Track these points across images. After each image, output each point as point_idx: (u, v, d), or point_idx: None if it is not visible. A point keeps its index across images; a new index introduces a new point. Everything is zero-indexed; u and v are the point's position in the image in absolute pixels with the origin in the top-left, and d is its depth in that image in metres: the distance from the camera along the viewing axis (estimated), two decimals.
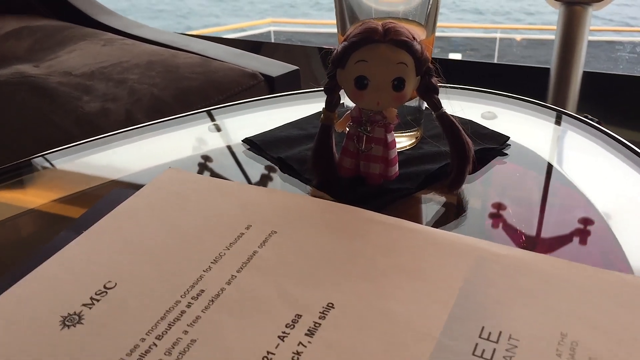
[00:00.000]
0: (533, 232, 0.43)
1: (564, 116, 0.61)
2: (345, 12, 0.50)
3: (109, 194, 0.45)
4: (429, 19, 0.49)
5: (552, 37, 1.95)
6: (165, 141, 0.59)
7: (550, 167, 0.52)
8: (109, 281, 0.34)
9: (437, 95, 0.45)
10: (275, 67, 1.00)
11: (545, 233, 0.43)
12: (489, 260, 0.35)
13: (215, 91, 0.92)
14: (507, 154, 0.53)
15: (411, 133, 0.54)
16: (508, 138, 0.54)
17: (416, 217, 0.45)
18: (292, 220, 0.39)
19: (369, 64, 0.41)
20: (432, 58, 0.45)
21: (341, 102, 0.46)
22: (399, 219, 0.39)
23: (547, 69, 1.92)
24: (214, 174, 0.51)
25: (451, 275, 0.33)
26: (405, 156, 0.51)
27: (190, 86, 0.92)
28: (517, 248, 0.37)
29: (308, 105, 0.65)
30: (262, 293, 0.33)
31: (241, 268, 0.35)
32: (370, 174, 0.46)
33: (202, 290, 0.33)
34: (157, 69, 0.96)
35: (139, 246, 0.37)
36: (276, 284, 0.33)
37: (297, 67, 1.01)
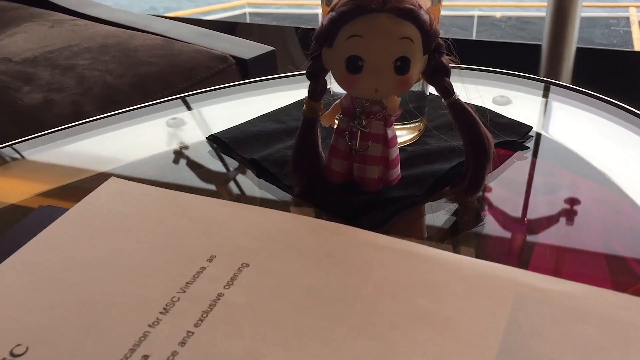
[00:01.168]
0: (581, 254, 0.35)
1: (589, 98, 0.53)
2: None
3: (32, 214, 0.36)
4: None
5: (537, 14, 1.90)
6: (115, 140, 0.50)
7: (582, 161, 0.44)
8: (18, 345, 0.26)
9: (449, 78, 0.36)
10: (248, 49, 0.91)
11: (597, 257, 0.35)
12: (533, 299, 0.27)
13: (179, 77, 0.83)
14: (528, 147, 0.46)
15: (413, 125, 0.46)
16: (531, 128, 0.46)
17: (425, 234, 0.37)
18: (268, 247, 0.31)
19: (364, 40, 0.33)
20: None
21: (327, 87, 0.37)
22: (409, 241, 0.31)
23: (538, 46, 1.86)
24: (170, 184, 0.43)
25: (487, 326, 0.25)
26: (407, 154, 0.43)
27: (150, 72, 0.82)
28: (565, 280, 0.29)
29: (287, 93, 0.56)
30: (228, 357, 0.25)
31: (200, 320, 0.27)
32: (366, 180, 0.38)
33: (146, 357, 0.25)
34: (111, 53, 0.86)
35: (62, 292, 0.28)
36: (247, 342, 0.25)
37: (273, 48, 0.92)
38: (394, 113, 0.37)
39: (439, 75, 0.36)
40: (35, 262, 0.30)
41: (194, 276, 0.29)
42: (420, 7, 0.34)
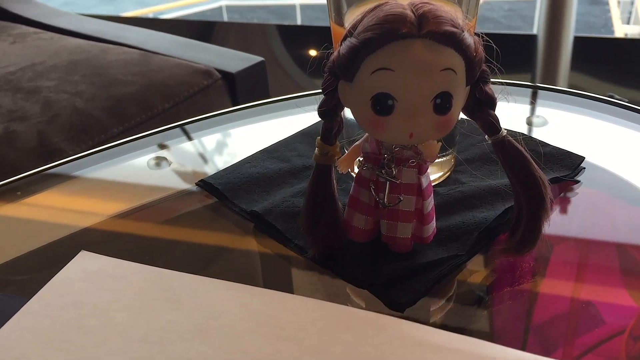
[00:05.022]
0: None
1: (632, 113, 0.47)
2: None
3: None
4: None
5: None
6: (84, 191, 0.44)
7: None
8: None
9: (494, 110, 0.31)
10: (234, 60, 0.85)
11: None
12: None
13: (159, 97, 0.77)
14: (580, 181, 0.40)
15: (443, 159, 0.40)
16: (582, 159, 0.40)
17: (475, 311, 0.31)
18: (287, 353, 0.25)
19: (395, 74, 0.27)
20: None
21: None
22: (473, 339, 0.25)
23: (533, 36, 1.83)
24: (153, 250, 0.36)
25: None
26: (441, 198, 0.37)
27: (125, 92, 0.76)
28: None
29: (285, 119, 0.50)
30: None
31: None
32: (398, 240, 0.32)
33: None
34: (81, 71, 0.80)
35: None
36: None
37: (262, 59, 0.86)
38: (431, 159, 0.31)
39: (483, 108, 0.30)
40: None
41: None
42: (463, 27, 0.28)
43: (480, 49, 0.29)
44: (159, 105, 0.76)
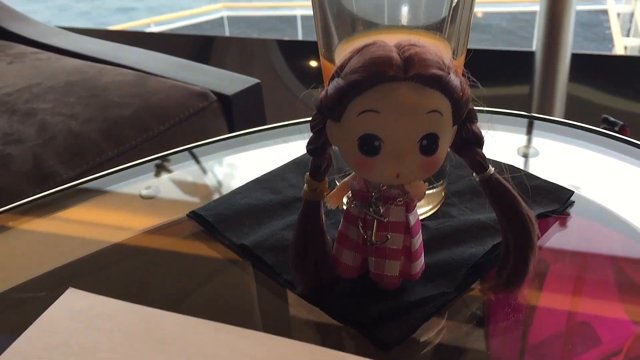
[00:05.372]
0: None
1: (629, 147, 0.48)
2: (328, 18, 0.36)
3: None
4: (458, 28, 0.35)
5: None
6: (74, 221, 0.44)
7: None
8: None
9: (482, 148, 0.31)
10: (230, 82, 0.85)
11: None
12: None
13: (155, 120, 0.77)
14: (569, 214, 0.40)
15: (433, 191, 0.40)
16: (572, 193, 0.41)
17: (464, 350, 0.31)
18: None
19: (382, 115, 0.27)
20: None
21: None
22: None
23: (531, 53, 1.84)
24: (142, 286, 0.36)
25: None
26: (430, 233, 0.37)
27: (121, 115, 0.76)
28: None
29: (280, 147, 0.50)
30: None
31: None
32: (386, 278, 0.32)
33: None
34: (77, 93, 0.80)
35: None
36: None
37: (258, 81, 0.86)
38: (419, 198, 0.31)
39: (470, 147, 0.31)
40: None
41: None
42: (449, 68, 0.28)
43: (467, 90, 0.29)
44: (155, 127, 0.76)
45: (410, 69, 0.27)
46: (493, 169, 0.31)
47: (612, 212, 0.40)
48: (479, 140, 0.31)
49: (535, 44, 1.84)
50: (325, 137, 0.30)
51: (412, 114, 0.27)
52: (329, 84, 0.29)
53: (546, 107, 1.84)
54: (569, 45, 1.83)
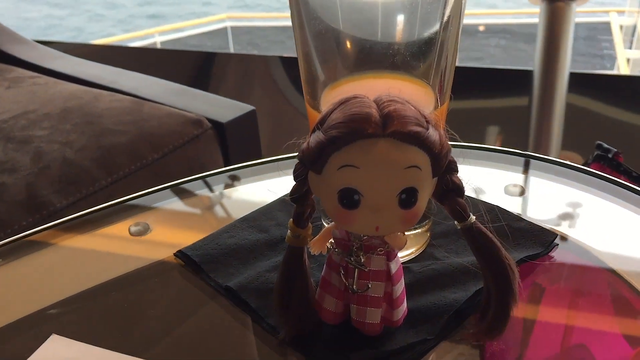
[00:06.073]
0: None
1: (620, 189, 0.48)
2: (314, 64, 0.36)
3: None
4: (443, 73, 0.36)
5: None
6: (59, 263, 0.44)
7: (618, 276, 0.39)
8: None
9: (462, 198, 0.32)
10: (225, 109, 0.86)
11: None
12: None
13: (149, 147, 0.78)
14: (553, 257, 0.41)
15: (418, 231, 0.41)
16: (555, 236, 0.41)
17: None
18: None
19: (361, 170, 0.28)
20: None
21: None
22: None
23: (529, 72, 1.86)
24: (124, 329, 0.37)
25: None
26: (413, 276, 0.38)
27: (115, 143, 0.77)
28: None
29: (274, 180, 0.51)
30: None
31: None
32: (367, 325, 0.33)
33: None
34: (73, 120, 0.81)
35: None
36: None
37: (253, 108, 0.87)
38: (399, 249, 0.31)
39: (451, 196, 0.31)
40: None
41: None
42: (428, 123, 0.29)
43: (446, 143, 0.30)
44: (149, 155, 0.77)
45: (388, 126, 0.27)
46: (474, 217, 0.32)
47: (595, 255, 0.41)
48: (459, 190, 0.31)
49: (535, 64, 1.86)
50: (308, 186, 0.31)
51: (391, 169, 0.28)
52: (310, 136, 0.30)
53: (544, 123, 1.85)
54: (567, 64, 1.84)
